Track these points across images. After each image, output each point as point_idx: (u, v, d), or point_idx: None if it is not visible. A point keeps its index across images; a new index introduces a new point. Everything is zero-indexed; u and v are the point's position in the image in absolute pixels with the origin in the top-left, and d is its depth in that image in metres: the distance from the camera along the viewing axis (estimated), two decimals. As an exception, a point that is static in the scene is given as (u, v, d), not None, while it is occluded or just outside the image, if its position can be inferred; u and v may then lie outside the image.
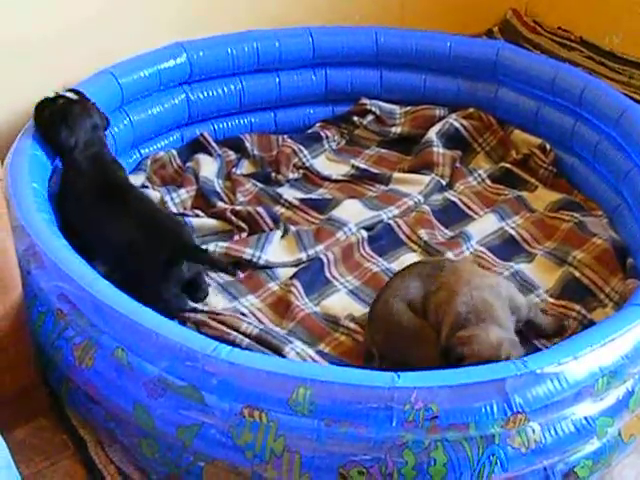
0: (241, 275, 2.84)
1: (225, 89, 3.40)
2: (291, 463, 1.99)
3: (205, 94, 3.37)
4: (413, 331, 2.47)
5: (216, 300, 2.73)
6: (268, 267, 2.87)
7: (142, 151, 3.29)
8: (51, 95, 2.81)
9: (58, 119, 2.74)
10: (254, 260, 2.86)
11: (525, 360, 2.09)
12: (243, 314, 2.65)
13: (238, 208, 3.04)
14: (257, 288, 2.79)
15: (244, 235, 2.96)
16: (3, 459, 1.70)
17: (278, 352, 2.44)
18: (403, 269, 2.66)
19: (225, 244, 2.88)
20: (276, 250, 2.92)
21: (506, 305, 2.44)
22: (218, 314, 2.60)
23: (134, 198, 2.73)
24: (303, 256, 2.90)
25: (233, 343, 2.45)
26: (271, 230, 2.97)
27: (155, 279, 2.54)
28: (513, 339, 2.34)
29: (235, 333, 2.51)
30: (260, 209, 3.03)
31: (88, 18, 3.11)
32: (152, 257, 2.55)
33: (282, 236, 2.98)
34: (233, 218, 3.00)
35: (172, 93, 3.30)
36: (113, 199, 2.69)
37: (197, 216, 3.04)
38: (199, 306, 2.66)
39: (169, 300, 2.56)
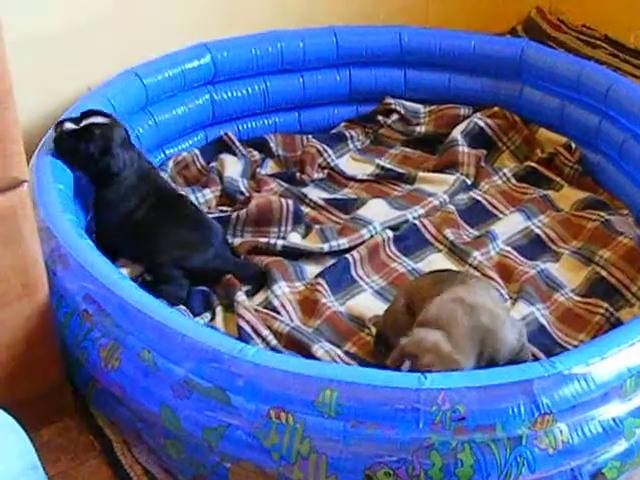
0: (266, 260, 2.83)
1: (249, 89, 3.40)
2: (317, 464, 1.98)
3: (229, 94, 3.37)
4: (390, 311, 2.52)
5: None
6: (286, 254, 2.86)
7: (167, 151, 3.30)
8: (71, 125, 2.75)
9: (102, 152, 2.72)
10: (270, 247, 2.86)
11: (552, 361, 2.08)
12: (275, 309, 2.65)
13: (263, 197, 3.05)
14: (287, 277, 2.78)
15: (242, 214, 2.98)
16: (30, 461, 1.71)
17: (306, 351, 2.44)
18: (433, 271, 2.66)
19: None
20: (296, 239, 2.94)
21: (476, 334, 2.28)
22: (257, 310, 2.61)
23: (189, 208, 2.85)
24: (325, 246, 2.89)
25: (264, 340, 2.47)
26: (288, 228, 2.99)
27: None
28: (448, 356, 2.19)
29: (267, 332, 2.52)
30: (290, 202, 3.03)
31: (110, 17, 3.12)
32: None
33: (304, 236, 2.98)
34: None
35: (196, 93, 3.30)
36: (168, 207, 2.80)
37: (222, 212, 3.04)
38: (241, 297, 2.65)
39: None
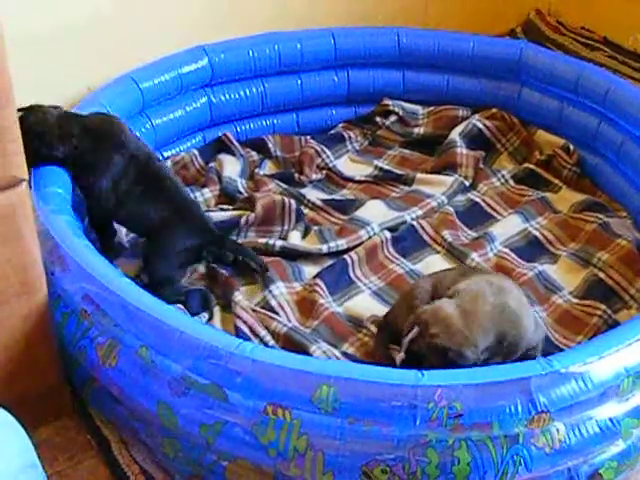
0: (268, 259, 2.83)
1: (247, 91, 3.41)
2: (314, 461, 1.98)
3: (227, 97, 3.38)
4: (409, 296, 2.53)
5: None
6: (283, 253, 2.87)
7: (165, 154, 3.30)
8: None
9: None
10: (269, 246, 2.86)
11: (550, 359, 2.08)
12: (273, 309, 2.65)
13: (267, 198, 3.05)
14: (285, 278, 2.78)
15: (251, 217, 2.97)
16: (29, 459, 1.71)
17: (304, 351, 2.43)
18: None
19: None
20: (294, 240, 2.94)
21: (500, 314, 2.31)
22: (254, 310, 2.61)
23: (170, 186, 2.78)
24: (324, 247, 2.89)
25: (261, 340, 2.47)
26: (290, 226, 2.99)
27: (173, 257, 2.67)
28: (458, 331, 2.24)
29: (264, 332, 2.52)
30: (292, 201, 3.04)
31: (109, 18, 3.14)
32: (178, 233, 2.68)
33: (303, 237, 2.98)
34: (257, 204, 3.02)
35: (194, 96, 3.31)
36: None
37: (222, 210, 3.05)
38: (238, 297, 2.65)
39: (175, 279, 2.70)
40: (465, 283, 2.37)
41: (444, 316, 2.27)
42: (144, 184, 2.71)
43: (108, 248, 2.77)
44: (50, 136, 2.64)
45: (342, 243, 2.92)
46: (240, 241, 2.90)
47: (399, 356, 2.32)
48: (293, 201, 3.05)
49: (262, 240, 2.90)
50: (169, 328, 2.13)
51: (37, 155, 2.58)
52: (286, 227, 3.01)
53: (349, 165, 3.44)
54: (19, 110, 2.44)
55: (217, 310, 2.67)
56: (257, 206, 3.00)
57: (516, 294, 2.38)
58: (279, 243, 2.89)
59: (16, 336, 2.23)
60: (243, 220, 2.97)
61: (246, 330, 2.52)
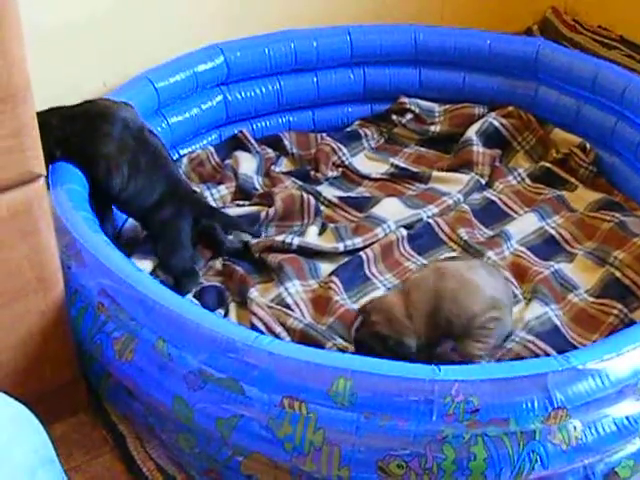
0: (280, 257, 2.83)
1: (263, 89, 3.41)
2: (330, 456, 1.98)
3: (243, 95, 3.38)
4: None
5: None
6: (301, 251, 2.86)
7: (181, 152, 3.31)
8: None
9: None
10: (286, 244, 2.86)
11: (567, 355, 2.07)
12: (289, 306, 2.65)
13: (285, 192, 3.05)
14: (301, 275, 2.78)
15: (271, 212, 2.98)
16: (47, 454, 1.72)
17: (320, 347, 2.43)
18: None
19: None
20: (311, 238, 2.94)
21: (435, 297, 2.35)
22: (270, 307, 2.62)
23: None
24: (340, 246, 2.89)
25: (277, 337, 2.47)
26: (310, 221, 3.00)
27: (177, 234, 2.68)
28: (397, 320, 2.31)
29: (280, 328, 2.52)
30: (310, 196, 3.05)
31: (122, 15, 3.14)
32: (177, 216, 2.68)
33: (320, 233, 2.98)
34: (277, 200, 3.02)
35: (209, 94, 3.31)
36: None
37: (238, 206, 3.06)
38: (254, 294, 2.65)
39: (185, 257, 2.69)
40: (417, 272, 2.45)
41: (386, 305, 2.33)
42: (144, 157, 2.70)
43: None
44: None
45: (358, 241, 2.92)
46: (254, 241, 2.89)
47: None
48: (310, 196, 3.06)
49: (279, 238, 2.89)
50: (186, 321, 2.13)
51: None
52: (305, 221, 3.01)
53: (365, 163, 3.44)
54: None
55: (233, 307, 2.67)
56: (277, 200, 3.01)
57: (462, 275, 2.38)
58: (296, 242, 2.88)
59: (32, 331, 2.23)
60: (263, 215, 2.97)
61: (262, 327, 2.52)
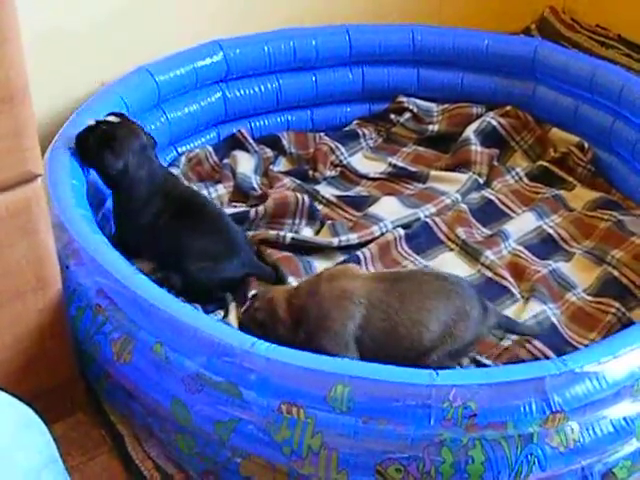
0: (276, 255, 2.83)
1: (262, 87, 3.40)
2: (328, 460, 1.98)
3: (242, 92, 3.37)
4: None
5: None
6: (294, 246, 2.86)
7: (179, 149, 3.30)
8: (91, 122, 2.73)
9: (102, 145, 2.67)
10: (280, 239, 2.86)
11: (564, 359, 2.08)
12: None
13: (279, 193, 3.05)
14: (297, 274, 2.77)
15: (261, 210, 2.98)
16: (51, 454, 1.72)
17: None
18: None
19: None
20: (306, 234, 2.95)
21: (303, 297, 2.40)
22: None
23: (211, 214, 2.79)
24: (335, 240, 2.89)
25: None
26: (303, 222, 3.00)
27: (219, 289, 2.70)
28: (274, 311, 2.37)
29: None
30: (305, 198, 3.04)
31: (125, 14, 3.13)
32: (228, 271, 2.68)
33: (316, 233, 2.99)
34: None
35: (208, 91, 3.30)
36: (190, 215, 2.74)
37: (235, 207, 3.06)
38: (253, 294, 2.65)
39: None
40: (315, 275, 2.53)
41: (271, 295, 2.39)
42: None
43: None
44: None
45: (354, 237, 2.92)
46: (250, 234, 2.90)
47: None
48: (306, 197, 3.05)
49: (273, 232, 2.90)
50: (184, 325, 2.13)
51: None
52: (297, 221, 3.01)
53: (363, 162, 3.43)
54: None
55: (232, 307, 2.66)
56: (268, 200, 3.01)
57: (345, 285, 2.37)
58: (290, 235, 2.88)
59: (31, 330, 2.23)
60: (253, 212, 2.97)
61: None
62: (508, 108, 3.51)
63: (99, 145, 2.66)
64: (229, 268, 2.68)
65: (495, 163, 3.38)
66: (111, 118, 2.73)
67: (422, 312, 2.33)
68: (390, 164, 3.39)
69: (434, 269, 2.80)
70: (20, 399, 1.70)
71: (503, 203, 3.20)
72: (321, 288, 2.37)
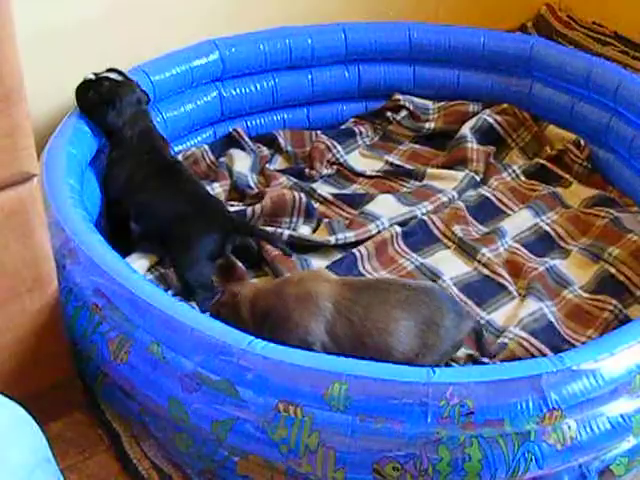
0: (274, 253, 2.82)
1: (257, 86, 3.39)
2: (325, 458, 1.99)
3: (237, 91, 3.36)
4: None
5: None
6: (291, 244, 2.85)
7: (175, 148, 3.29)
8: (91, 76, 2.87)
9: (105, 101, 2.81)
10: (277, 235, 2.86)
11: (561, 356, 2.08)
12: None
13: (276, 191, 3.05)
14: (293, 271, 2.77)
15: (258, 208, 2.97)
16: (44, 453, 1.72)
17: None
18: None
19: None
20: (303, 232, 2.96)
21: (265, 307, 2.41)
22: None
23: (186, 179, 2.84)
24: (332, 239, 2.89)
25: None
26: (300, 220, 3.00)
27: (198, 251, 2.67)
28: (236, 308, 2.38)
29: None
30: (303, 196, 3.04)
31: (120, 13, 3.12)
32: (201, 232, 2.68)
33: (313, 231, 2.99)
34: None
35: (204, 90, 3.30)
36: (165, 177, 2.80)
37: (232, 206, 3.04)
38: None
39: (203, 272, 2.69)
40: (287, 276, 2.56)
41: (237, 292, 2.40)
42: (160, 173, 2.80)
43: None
44: None
45: (351, 235, 2.91)
46: None
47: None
48: (303, 196, 3.05)
49: (270, 229, 2.90)
50: (180, 324, 2.13)
51: None
52: (295, 220, 3.01)
53: (360, 160, 3.43)
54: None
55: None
56: (265, 198, 3.00)
57: (307, 292, 2.36)
58: (287, 232, 2.89)
59: (27, 330, 2.23)
60: (250, 211, 2.97)
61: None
62: (504, 105, 3.50)
63: (101, 101, 2.81)
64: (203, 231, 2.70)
65: (492, 160, 3.38)
66: (111, 75, 2.87)
67: (388, 321, 2.30)
68: (387, 162, 3.40)
69: (399, 278, 2.76)
70: (15, 398, 1.70)
71: (500, 200, 3.20)
72: (287, 289, 2.37)
